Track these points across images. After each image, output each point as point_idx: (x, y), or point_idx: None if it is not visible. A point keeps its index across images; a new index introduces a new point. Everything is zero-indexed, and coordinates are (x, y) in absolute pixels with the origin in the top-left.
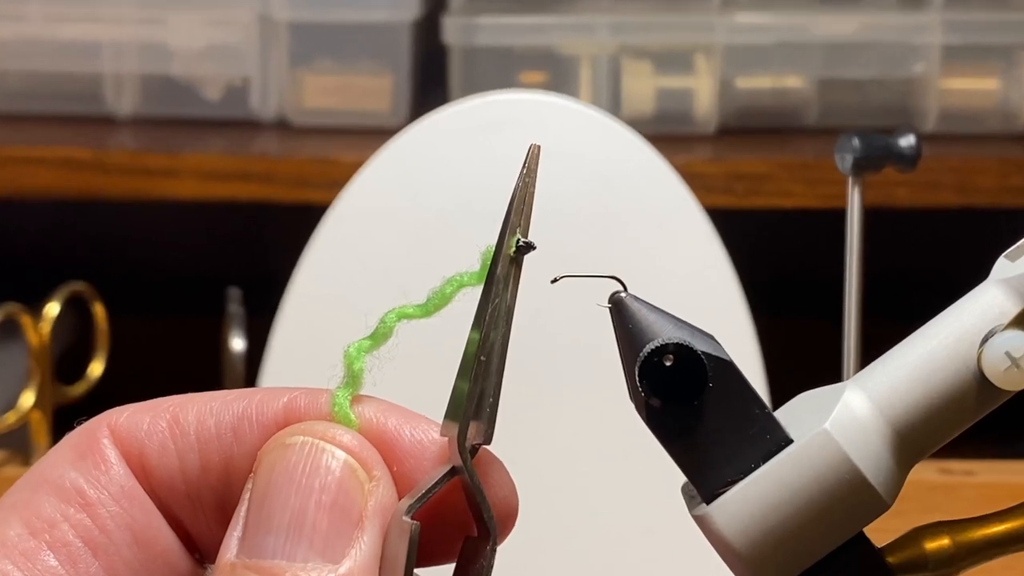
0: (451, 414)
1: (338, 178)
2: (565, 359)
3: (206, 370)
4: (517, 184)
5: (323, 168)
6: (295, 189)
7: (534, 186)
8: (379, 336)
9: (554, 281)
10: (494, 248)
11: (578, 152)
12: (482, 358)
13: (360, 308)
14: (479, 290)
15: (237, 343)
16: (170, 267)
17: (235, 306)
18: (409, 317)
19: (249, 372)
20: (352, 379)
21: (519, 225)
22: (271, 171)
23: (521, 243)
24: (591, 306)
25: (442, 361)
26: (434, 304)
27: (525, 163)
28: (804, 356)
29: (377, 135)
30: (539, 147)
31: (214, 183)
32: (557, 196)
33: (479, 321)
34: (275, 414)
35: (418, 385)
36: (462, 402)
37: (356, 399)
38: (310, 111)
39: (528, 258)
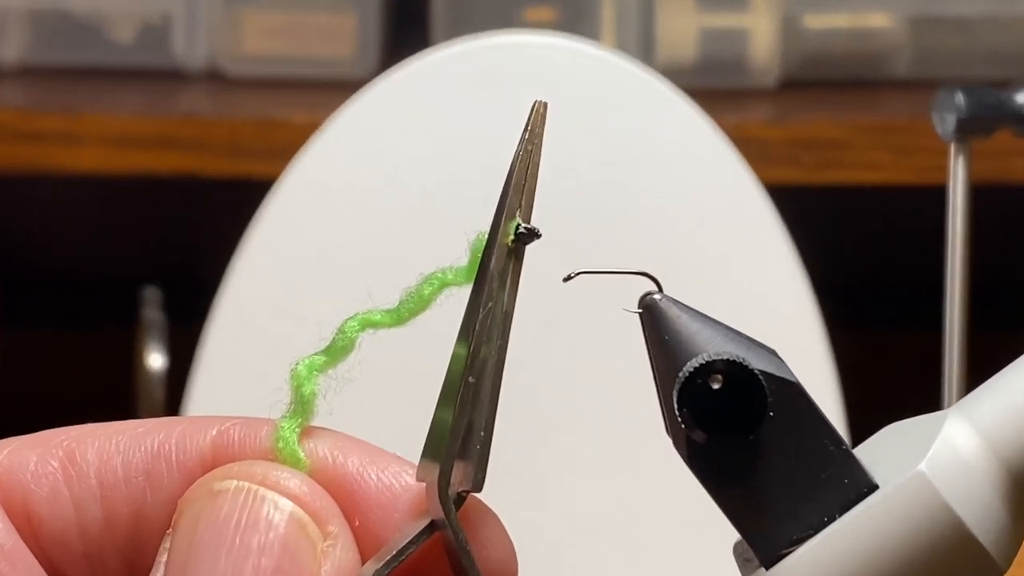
0: (431, 452)
1: (286, 145)
2: (580, 381)
3: (115, 394)
4: (517, 153)
5: (267, 132)
6: (230, 159)
7: (539, 155)
8: (336, 351)
9: (567, 279)
10: (486, 236)
11: (598, 112)
12: (470, 379)
13: (313, 314)
14: (467, 291)
15: (155, 358)
16: (68, 261)
17: (152, 311)
18: (376, 326)
19: (171, 396)
20: (301, 406)
21: (519, 206)
22: (200, 136)
23: (522, 229)
24: (615, 311)
25: (419, 383)
26: (408, 309)
27: (528, 125)
28: (892, 377)
29: (337, 90)
30: (545, 104)
31: (125, 151)
32: (570, 169)
33: (466, 331)
34: (200, 452)
35: (387, 414)
36: (445, 437)
37: (307, 432)
38: (250, 58)
39: (533, 251)
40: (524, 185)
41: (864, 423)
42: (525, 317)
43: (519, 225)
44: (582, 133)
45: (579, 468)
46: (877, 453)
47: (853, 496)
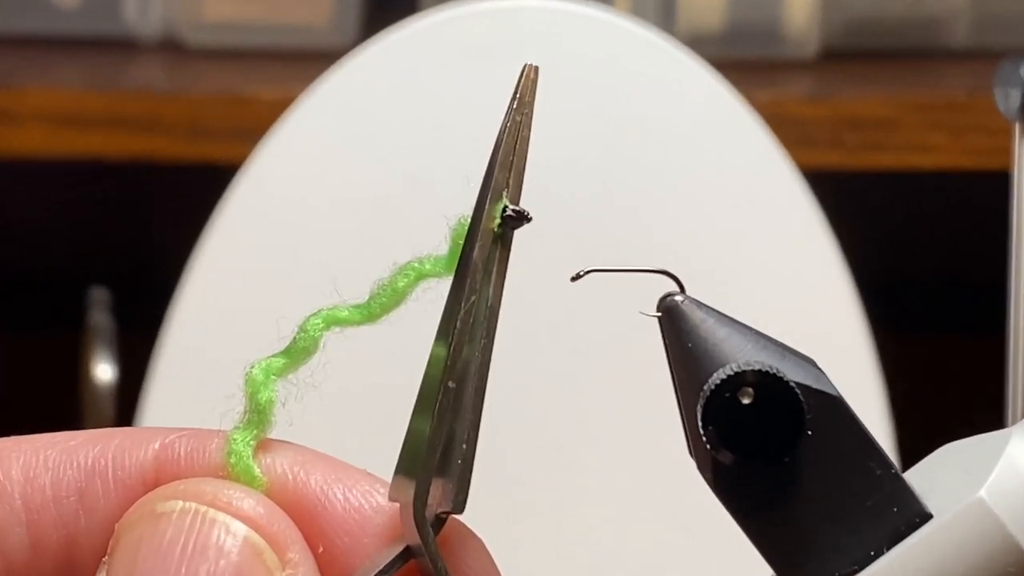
0: (406, 468)
1: (253, 125)
2: (589, 395)
3: (57, 409)
4: (504, 125)
5: (231, 110)
6: (189, 141)
7: (529, 127)
8: (298, 352)
9: (576, 278)
10: (468, 221)
11: (610, 89)
12: (450, 384)
13: (284, 319)
14: (447, 284)
15: (103, 369)
16: (4, 258)
17: (100, 315)
18: (343, 324)
19: (121, 410)
20: (257, 416)
21: (506, 186)
22: (154, 114)
23: (509, 212)
24: (630, 315)
25: (391, 389)
26: (380, 304)
27: (516, 92)
28: (948, 389)
29: (311, 62)
30: (536, 68)
31: (69, 132)
32: (577, 153)
33: (446, 330)
34: (141, 468)
35: (355, 424)
36: (421, 450)
37: (263, 445)
38: (212, 25)
39: (534, 247)
40: (512, 162)
41: (915, 443)
42: (526, 321)
43: (506, 207)
44: (591, 112)
45: (585, 492)
46: (930, 477)
47: (903, 526)
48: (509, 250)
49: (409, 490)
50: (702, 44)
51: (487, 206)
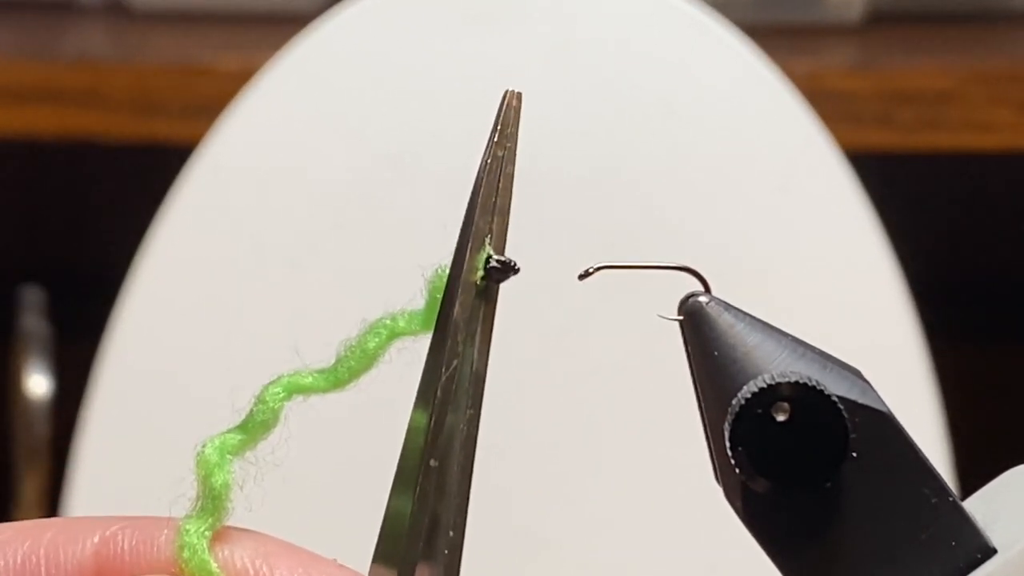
0: (385, 556)
1: (209, 100)
2: (599, 410)
3: None
4: (484, 161)
5: (184, 83)
6: (136, 118)
7: (514, 163)
8: (255, 426)
9: (585, 276)
10: (447, 271)
11: (628, 59)
12: (432, 463)
13: (243, 323)
14: (424, 342)
15: (37, 381)
16: None
17: (33, 319)
18: (306, 391)
19: (57, 429)
20: (212, 501)
21: (489, 232)
22: (96, 87)
23: (494, 262)
24: (647, 318)
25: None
26: (348, 369)
27: (497, 121)
28: (1014, 406)
29: (275, 28)
30: (519, 96)
31: None
32: (588, 132)
33: (425, 398)
34: (78, 565)
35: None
36: (402, 535)
37: (220, 535)
38: None
39: (536, 243)
40: (495, 203)
41: (976, 466)
42: (526, 327)
43: (490, 257)
44: (603, 87)
45: (595, 528)
46: (994, 506)
47: (963, 563)
48: (495, 306)
49: None
50: (732, 7)
51: (467, 256)
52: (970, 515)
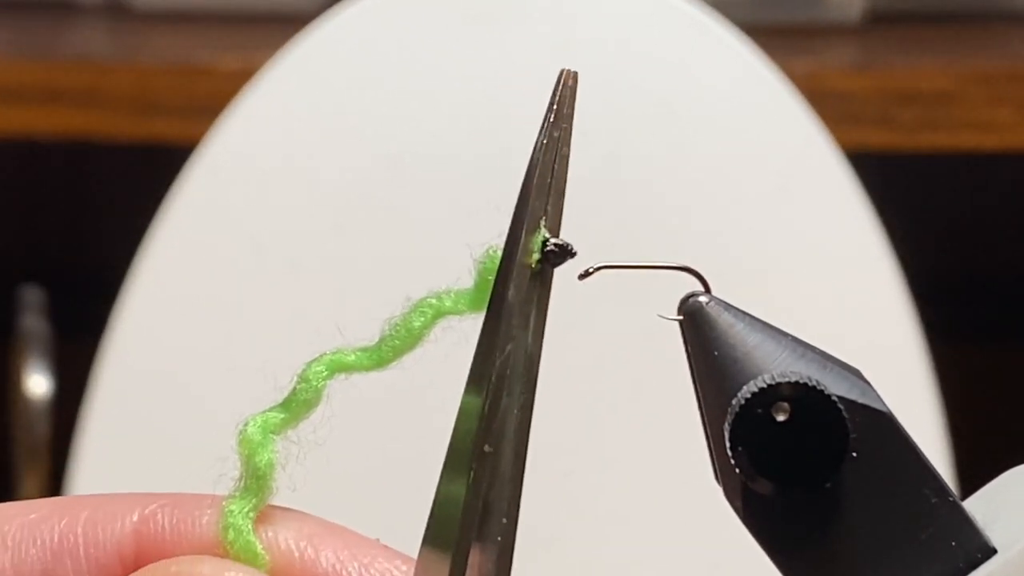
0: (436, 540)
1: (210, 99)
2: (594, 408)
3: None
4: (539, 141)
5: (184, 83)
6: (137, 117)
7: (569, 144)
8: (298, 405)
9: (584, 276)
10: (499, 253)
11: (629, 59)
12: (487, 448)
13: (245, 324)
14: (470, 322)
15: (37, 381)
16: None
17: (33, 318)
18: (349, 370)
19: (57, 428)
20: (256, 481)
21: (543, 213)
22: (96, 87)
23: (551, 246)
24: (647, 318)
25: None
26: (392, 348)
27: (553, 101)
28: (1014, 406)
29: (277, 27)
30: (575, 75)
31: None
32: (590, 132)
33: (478, 381)
34: (118, 543)
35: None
36: (454, 520)
37: (264, 515)
38: None
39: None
40: (550, 185)
41: (976, 467)
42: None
43: (546, 241)
44: (602, 86)
45: (599, 522)
46: (994, 506)
47: (963, 563)
48: (549, 289)
49: (443, 566)
50: (732, 7)
51: (523, 238)
52: (970, 515)
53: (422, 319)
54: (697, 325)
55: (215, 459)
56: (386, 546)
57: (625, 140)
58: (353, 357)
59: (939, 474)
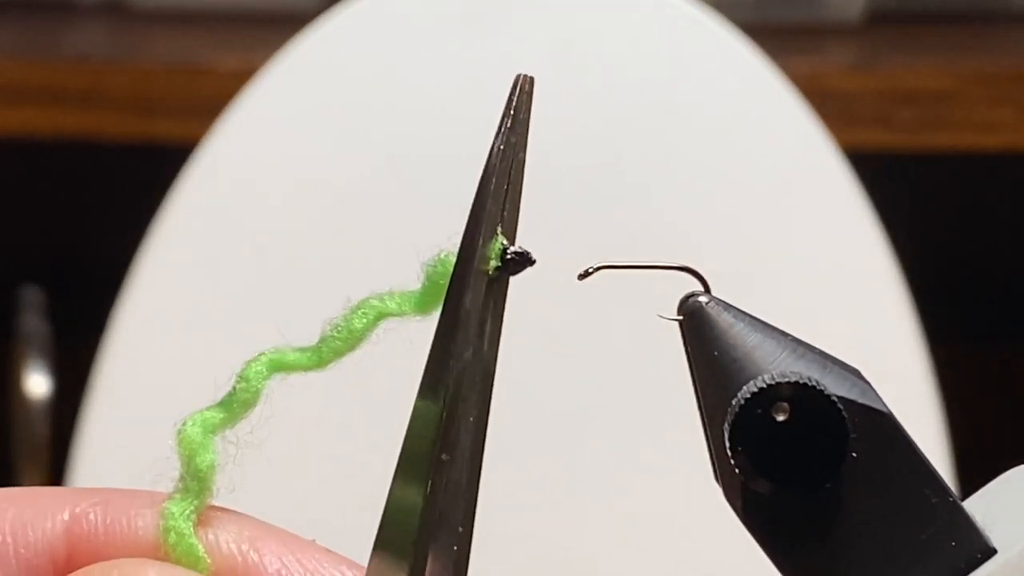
0: (388, 545)
1: (210, 99)
2: (593, 409)
3: None
4: (495, 147)
5: (183, 83)
6: (137, 117)
7: (525, 149)
8: (237, 404)
9: (584, 276)
10: (450, 257)
11: (626, 59)
12: (444, 457)
13: (241, 324)
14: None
15: (36, 381)
16: None
17: (33, 319)
18: (289, 369)
19: (57, 428)
20: (197, 483)
21: (499, 218)
22: (96, 87)
23: (511, 253)
24: (647, 319)
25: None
26: (332, 348)
27: (509, 108)
28: (1014, 407)
29: (276, 27)
30: (531, 80)
31: None
32: (586, 132)
33: (434, 386)
34: (49, 544)
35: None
36: (408, 526)
37: (204, 518)
38: None
39: (538, 237)
40: (507, 192)
41: (976, 467)
42: (527, 326)
43: (506, 249)
44: (600, 86)
45: (592, 520)
46: (994, 507)
47: (963, 563)
48: (505, 296)
49: (398, 574)
50: (732, 7)
51: (479, 244)
52: (970, 515)
53: (364, 320)
54: (697, 325)
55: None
56: (328, 549)
57: (625, 140)
58: (293, 356)
59: (939, 474)
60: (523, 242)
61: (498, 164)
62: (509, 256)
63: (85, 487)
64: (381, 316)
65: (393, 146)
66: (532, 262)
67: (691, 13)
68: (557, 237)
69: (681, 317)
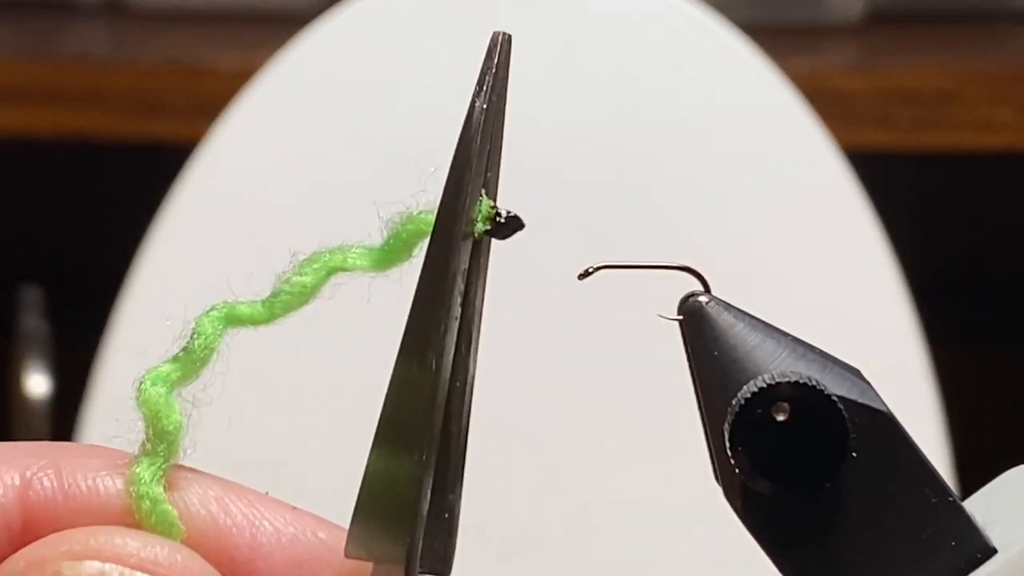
0: (375, 517)
1: (210, 99)
2: (593, 409)
3: None
4: (475, 106)
5: (183, 82)
6: (137, 117)
7: (504, 109)
8: (194, 359)
9: (584, 275)
10: (427, 217)
11: (626, 60)
12: (439, 423)
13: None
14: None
15: (36, 381)
16: None
17: (32, 318)
18: (241, 323)
19: (57, 430)
20: (166, 446)
21: (483, 180)
22: (96, 86)
23: (502, 216)
24: (647, 318)
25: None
26: (283, 302)
27: (490, 66)
28: (1014, 407)
29: (276, 27)
30: (509, 36)
31: None
32: (586, 132)
33: (420, 351)
34: (2, 512)
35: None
36: (396, 495)
37: (171, 479)
38: None
39: (535, 242)
40: (488, 153)
41: (976, 467)
42: (527, 326)
43: (497, 211)
44: (599, 86)
45: (592, 520)
46: (994, 506)
47: (963, 563)
48: (488, 259)
49: (390, 546)
50: (732, 7)
51: (464, 205)
52: (970, 515)
53: (314, 275)
54: (697, 325)
55: (215, 457)
56: (293, 507)
57: (625, 140)
58: (245, 310)
59: (939, 474)
60: (523, 244)
61: (482, 123)
62: (502, 219)
63: (22, 442)
64: (333, 270)
65: (393, 146)
66: (522, 226)
67: (691, 13)
68: (557, 237)
69: (681, 317)
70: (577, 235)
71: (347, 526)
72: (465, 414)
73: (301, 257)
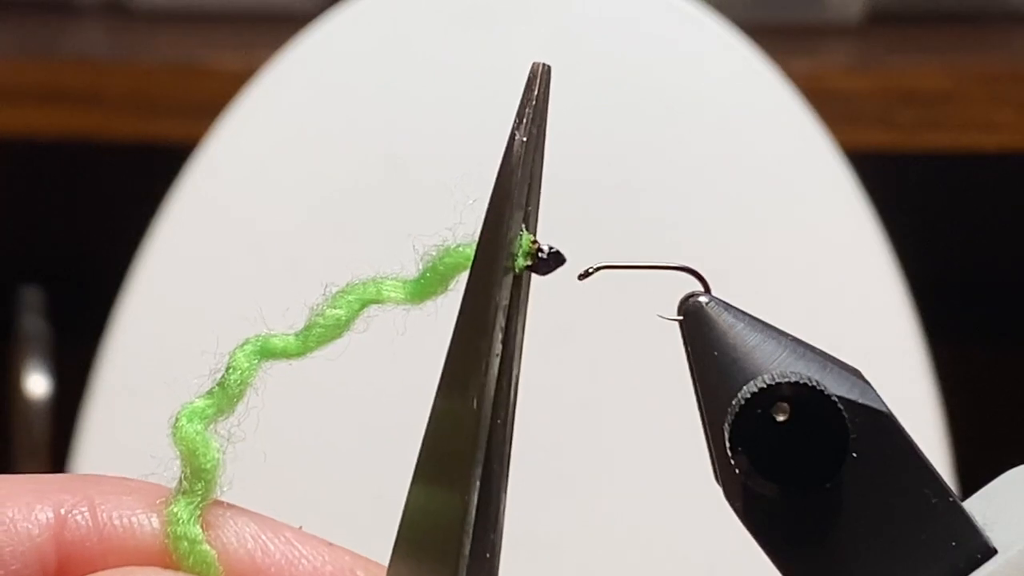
0: (414, 549)
1: (210, 99)
2: (593, 409)
3: None
4: (515, 138)
5: (184, 83)
6: (137, 118)
7: (544, 140)
8: (230, 393)
9: (584, 276)
10: (466, 251)
11: (627, 58)
12: (482, 458)
13: (243, 324)
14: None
15: (36, 381)
16: None
17: (32, 319)
18: (275, 356)
19: (57, 431)
20: (201, 482)
21: (522, 210)
22: (96, 87)
23: (546, 252)
24: (647, 319)
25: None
26: (316, 334)
27: (530, 97)
28: (1014, 407)
29: (277, 27)
30: (548, 67)
31: None
32: (586, 133)
33: (461, 386)
34: (38, 549)
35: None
36: (440, 531)
37: (211, 515)
38: None
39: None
40: (529, 184)
41: (976, 467)
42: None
43: (540, 247)
44: (600, 85)
45: (592, 520)
46: (994, 507)
47: (963, 563)
48: (528, 295)
49: None
50: (732, 7)
51: (503, 239)
52: (970, 515)
53: (347, 308)
54: (697, 325)
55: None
56: (331, 544)
57: (625, 140)
58: (279, 343)
59: (939, 474)
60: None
61: (522, 155)
62: (544, 255)
63: (53, 476)
64: (367, 303)
65: (393, 146)
66: (564, 261)
67: (691, 12)
68: (557, 237)
69: (681, 317)
70: (576, 235)
71: (385, 563)
72: (507, 452)
73: (334, 289)
